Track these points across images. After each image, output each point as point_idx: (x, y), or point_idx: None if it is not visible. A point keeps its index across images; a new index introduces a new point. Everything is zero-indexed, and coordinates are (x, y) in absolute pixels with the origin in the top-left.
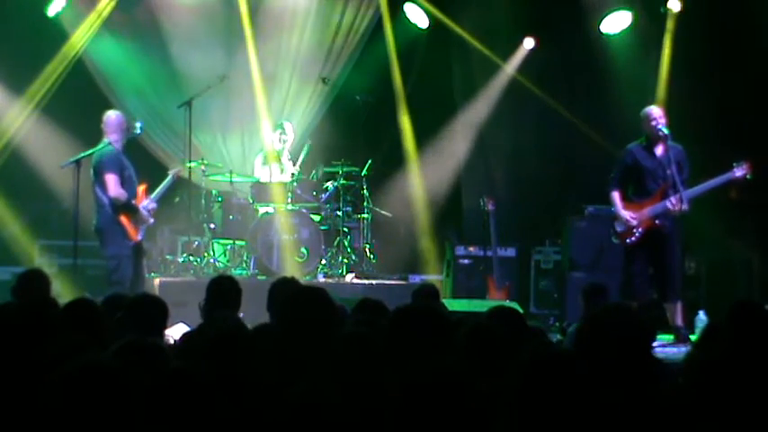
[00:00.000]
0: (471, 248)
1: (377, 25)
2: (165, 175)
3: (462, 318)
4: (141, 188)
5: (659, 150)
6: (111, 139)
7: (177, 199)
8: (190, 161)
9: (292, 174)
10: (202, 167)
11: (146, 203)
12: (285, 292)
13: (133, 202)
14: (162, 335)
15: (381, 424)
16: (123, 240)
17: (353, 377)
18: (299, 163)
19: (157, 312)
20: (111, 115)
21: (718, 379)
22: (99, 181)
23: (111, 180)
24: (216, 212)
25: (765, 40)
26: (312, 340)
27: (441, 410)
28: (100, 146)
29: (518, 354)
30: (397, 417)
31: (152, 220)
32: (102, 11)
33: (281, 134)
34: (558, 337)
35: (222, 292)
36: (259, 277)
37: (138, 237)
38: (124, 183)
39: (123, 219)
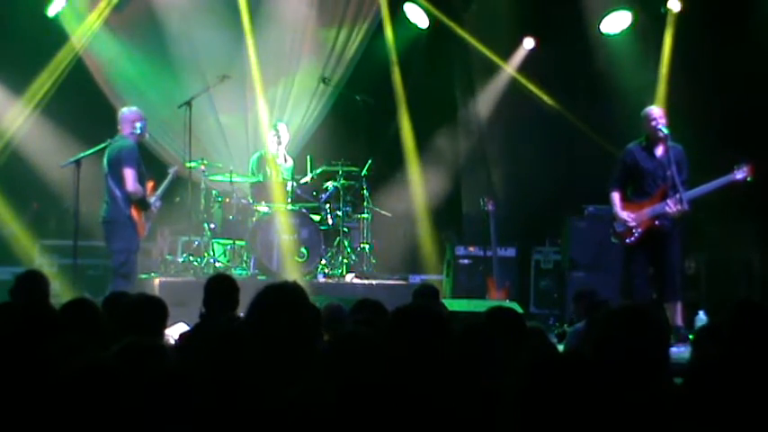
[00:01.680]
0: (471, 248)
1: (377, 25)
2: (165, 174)
3: (465, 317)
4: (150, 185)
5: (659, 151)
6: (126, 133)
7: (177, 199)
8: (190, 161)
9: (284, 178)
10: (202, 167)
11: (152, 200)
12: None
13: (146, 198)
14: (162, 335)
15: (380, 424)
16: (133, 235)
17: (353, 377)
18: (308, 178)
19: (157, 312)
20: (125, 111)
21: (718, 379)
22: (114, 174)
23: (130, 175)
24: (216, 212)
25: (765, 40)
26: (283, 341)
27: (440, 410)
28: (116, 138)
29: (516, 354)
30: (396, 417)
31: (153, 218)
32: (102, 11)
33: (275, 135)
34: (566, 327)
35: (220, 291)
36: (259, 277)
37: (144, 233)
38: (139, 178)
39: (135, 214)
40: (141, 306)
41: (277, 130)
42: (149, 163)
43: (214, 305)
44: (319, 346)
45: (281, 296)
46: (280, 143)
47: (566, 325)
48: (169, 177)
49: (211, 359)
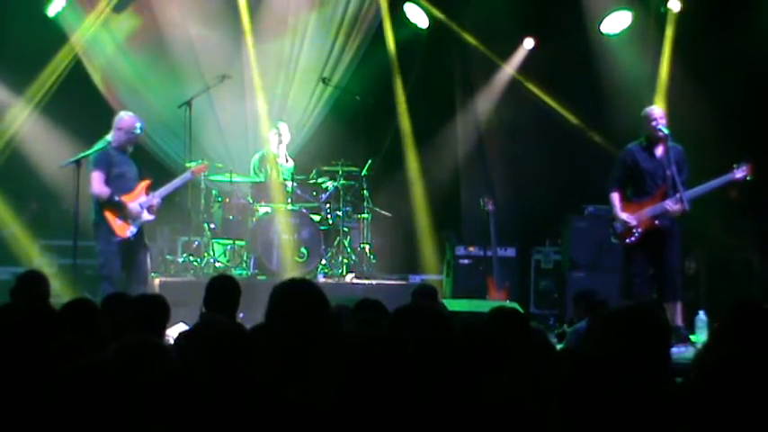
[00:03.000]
0: (471, 248)
1: (377, 25)
2: (172, 173)
3: (466, 318)
4: (142, 185)
5: (659, 151)
6: (111, 137)
7: (177, 199)
8: (190, 161)
9: (284, 178)
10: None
11: (144, 200)
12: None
13: (117, 198)
14: (162, 334)
15: (379, 424)
16: (109, 236)
17: (353, 377)
18: (286, 144)
19: (158, 311)
20: (123, 115)
21: (718, 379)
22: (89, 177)
23: (94, 178)
24: (216, 212)
25: (765, 40)
26: (306, 341)
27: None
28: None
29: (518, 354)
30: (396, 416)
31: (150, 217)
32: (101, 11)
33: (276, 135)
34: (566, 327)
35: (222, 291)
36: (259, 277)
37: (126, 233)
38: (111, 180)
39: (108, 215)
40: (142, 305)
41: (278, 130)
42: (148, 163)
43: (215, 305)
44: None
45: (304, 293)
46: (281, 142)
47: (565, 325)
48: (185, 175)
49: (211, 358)
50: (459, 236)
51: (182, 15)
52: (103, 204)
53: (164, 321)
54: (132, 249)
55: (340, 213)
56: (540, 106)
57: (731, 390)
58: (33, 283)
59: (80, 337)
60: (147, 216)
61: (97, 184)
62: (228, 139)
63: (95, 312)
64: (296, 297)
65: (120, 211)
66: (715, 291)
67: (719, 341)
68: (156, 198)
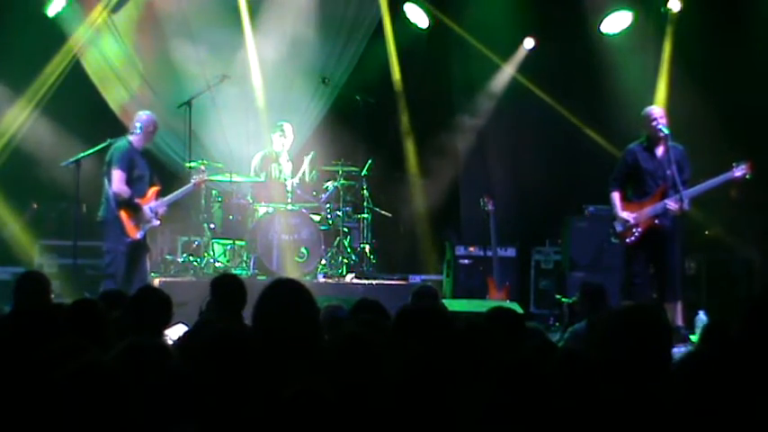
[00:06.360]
0: (471, 248)
1: (377, 25)
2: (172, 175)
3: (466, 318)
4: (152, 190)
5: (660, 151)
6: (132, 137)
7: None
8: (190, 161)
9: (284, 178)
10: (202, 167)
11: (153, 205)
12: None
13: (136, 200)
14: (162, 332)
15: (378, 423)
16: (120, 236)
17: (352, 377)
18: (300, 173)
19: (160, 307)
20: (147, 116)
21: (723, 379)
22: (107, 173)
23: (117, 175)
24: (216, 212)
25: (765, 40)
26: (291, 340)
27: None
28: (118, 139)
29: (515, 353)
30: (396, 417)
31: (157, 222)
32: (101, 11)
33: (280, 135)
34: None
35: (229, 290)
36: (259, 277)
37: (136, 235)
38: (132, 181)
39: (123, 215)
40: (144, 300)
41: (282, 130)
42: (148, 163)
43: (223, 305)
44: (320, 346)
45: (284, 292)
46: (284, 143)
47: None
48: (189, 186)
49: (211, 359)
50: (459, 236)
51: (182, 15)
52: (120, 203)
53: (167, 317)
54: (138, 251)
55: (340, 213)
56: (540, 106)
57: (730, 390)
58: (33, 283)
59: (84, 338)
60: (154, 221)
61: (119, 182)
62: (229, 138)
63: (100, 313)
64: (277, 297)
65: (136, 212)
66: (715, 291)
67: (713, 339)
68: (163, 205)
